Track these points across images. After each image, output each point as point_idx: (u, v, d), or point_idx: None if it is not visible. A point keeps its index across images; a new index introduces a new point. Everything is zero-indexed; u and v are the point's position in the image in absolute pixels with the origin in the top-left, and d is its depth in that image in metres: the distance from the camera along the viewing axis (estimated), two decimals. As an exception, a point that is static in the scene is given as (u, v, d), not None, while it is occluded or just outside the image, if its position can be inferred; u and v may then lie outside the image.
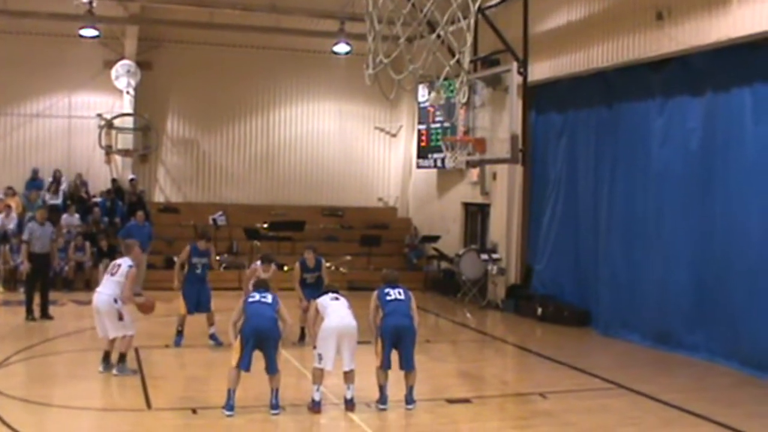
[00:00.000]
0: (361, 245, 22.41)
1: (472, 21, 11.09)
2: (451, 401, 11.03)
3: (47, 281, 16.71)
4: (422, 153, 23.29)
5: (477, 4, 11.08)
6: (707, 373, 13.19)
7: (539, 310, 17.80)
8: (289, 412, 10.21)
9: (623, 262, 16.00)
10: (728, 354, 13.54)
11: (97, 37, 22.31)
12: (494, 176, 20.22)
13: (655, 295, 15.16)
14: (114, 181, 22.94)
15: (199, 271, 14.38)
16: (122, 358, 11.92)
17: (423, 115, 23.28)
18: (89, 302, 17.63)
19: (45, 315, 16.30)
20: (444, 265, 22.30)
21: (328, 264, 22.05)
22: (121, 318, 11.87)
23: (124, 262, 12.02)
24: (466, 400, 11.14)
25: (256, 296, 10.38)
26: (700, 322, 14.22)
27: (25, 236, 16.38)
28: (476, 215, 22.01)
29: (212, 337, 14.17)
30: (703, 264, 14.24)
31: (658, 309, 15.08)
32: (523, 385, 12.57)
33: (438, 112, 22.09)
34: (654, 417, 10.55)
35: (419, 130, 23.53)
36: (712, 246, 14.07)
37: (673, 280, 14.76)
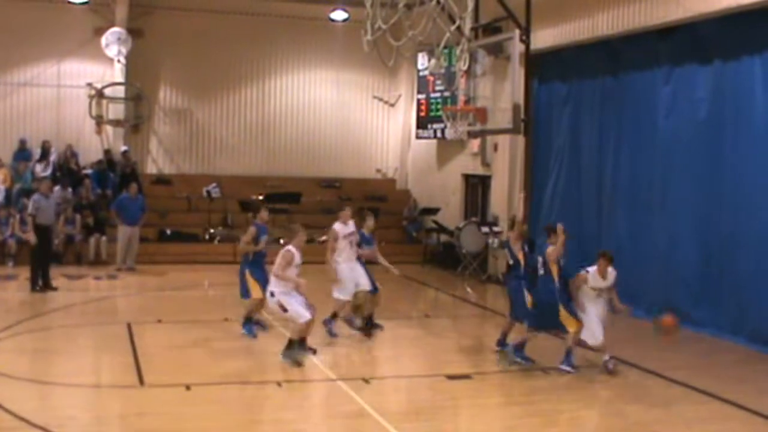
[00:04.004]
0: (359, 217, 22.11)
1: (474, -14, 10.80)
2: (451, 377, 10.88)
3: (49, 252, 16.68)
4: (422, 123, 22.96)
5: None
6: (714, 349, 13.01)
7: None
8: (284, 387, 10.05)
9: (628, 235, 15.75)
10: (735, 329, 13.34)
11: (86, 3, 21.94)
12: (495, 147, 19.94)
13: (661, 269, 14.93)
14: (107, 152, 22.57)
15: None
16: None
17: (422, 84, 22.91)
18: (80, 276, 17.85)
19: (48, 286, 16.23)
20: (444, 238, 22.04)
21: (324, 237, 21.91)
22: None
23: None
24: (467, 376, 10.99)
25: None
26: (707, 297, 14.00)
27: (30, 209, 16.22)
28: (477, 187, 21.72)
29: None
30: (710, 237, 14.01)
31: (664, 283, 14.85)
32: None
33: (438, 82, 21.74)
34: (659, 393, 10.39)
35: (419, 100, 23.18)
36: (719, 219, 13.83)
37: (679, 253, 14.54)
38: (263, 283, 12.17)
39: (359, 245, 12.97)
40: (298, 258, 11.21)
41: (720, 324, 13.64)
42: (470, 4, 11.48)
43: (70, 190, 20.73)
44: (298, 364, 10.90)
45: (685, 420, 9.49)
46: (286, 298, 11.14)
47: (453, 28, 11.43)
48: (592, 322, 11.14)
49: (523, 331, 11.56)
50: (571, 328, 11.15)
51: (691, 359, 12.30)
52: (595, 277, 11.14)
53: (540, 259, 11.50)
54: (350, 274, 12.75)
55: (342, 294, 12.65)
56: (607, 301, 11.36)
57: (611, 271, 11.24)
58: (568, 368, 11.11)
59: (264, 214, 13.16)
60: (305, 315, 11.10)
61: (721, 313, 13.67)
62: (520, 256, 11.77)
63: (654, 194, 15.18)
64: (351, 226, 13.12)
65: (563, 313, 11.16)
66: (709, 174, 14.02)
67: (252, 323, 12.80)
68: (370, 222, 13.22)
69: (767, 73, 13.00)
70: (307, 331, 11.34)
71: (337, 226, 12.94)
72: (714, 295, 13.88)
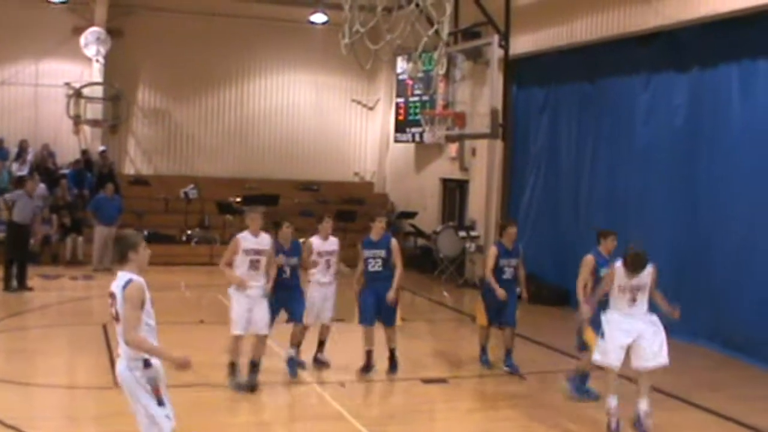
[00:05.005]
0: (337, 220, 21.97)
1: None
2: (426, 381, 10.88)
3: (26, 252, 16.52)
4: (400, 127, 22.98)
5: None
6: (689, 355, 12.98)
7: (518, 289, 17.48)
8: (264, 390, 10.00)
9: (604, 241, 15.75)
10: (710, 335, 13.40)
11: (65, 2, 21.76)
12: (473, 152, 19.96)
13: (636, 276, 14.93)
14: (84, 152, 22.42)
15: (378, 268, 10.92)
16: None
17: (401, 88, 22.94)
18: (56, 276, 17.69)
19: (23, 286, 16.09)
20: (421, 242, 22.05)
21: (301, 239, 21.86)
22: None
23: None
24: (442, 380, 11.00)
25: None
26: (682, 303, 13.84)
27: (8, 197, 16.12)
28: (455, 191, 21.74)
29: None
30: (686, 243, 14.06)
31: (639, 290, 14.84)
32: (501, 366, 12.38)
33: (417, 86, 21.75)
34: (633, 399, 10.32)
35: (397, 104, 23.21)
36: (695, 225, 13.90)
37: (654, 259, 14.49)
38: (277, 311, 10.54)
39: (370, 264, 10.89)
40: (249, 244, 9.89)
41: (695, 330, 13.67)
42: (448, 9, 11.50)
43: (43, 186, 20.52)
44: (251, 389, 9.82)
45: (659, 425, 9.52)
46: (235, 299, 9.92)
47: (431, 32, 11.45)
48: (611, 344, 9.03)
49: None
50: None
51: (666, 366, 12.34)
52: (621, 272, 8.96)
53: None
54: (319, 301, 10.97)
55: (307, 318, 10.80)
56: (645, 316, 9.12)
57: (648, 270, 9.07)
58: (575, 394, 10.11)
59: (286, 230, 10.69)
60: (235, 328, 9.88)
61: (696, 319, 13.69)
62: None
63: (631, 200, 15.23)
64: (332, 243, 11.24)
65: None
66: (685, 181, 14.08)
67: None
68: (377, 226, 10.95)
69: (744, 80, 13.09)
70: (236, 351, 9.94)
71: (314, 241, 11.04)
72: (689, 301, 13.84)
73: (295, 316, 10.55)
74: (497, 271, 11.42)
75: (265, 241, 10.06)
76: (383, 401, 10.28)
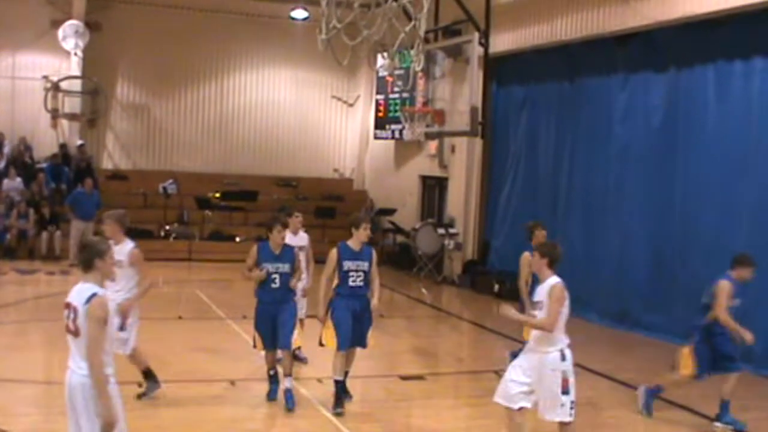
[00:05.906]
0: (316, 217, 22.06)
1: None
2: (404, 378, 10.93)
3: None
4: (380, 124, 23.00)
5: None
6: (664, 353, 13.03)
7: (496, 287, 17.62)
8: (238, 385, 10.00)
9: (582, 239, 15.90)
10: (686, 334, 13.41)
11: (43, -6, 21.60)
12: (453, 149, 20.02)
13: (614, 274, 15.09)
14: (62, 146, 22.27)
15: (359, 283, 9.27)
16: None
17: (381, 85, 22.96)
18: (32, 271, 17.58)
19: None
20: (400, 239, 22.10)
21: (238, 238, 21.70)
22: None
23: None
24: (420, 377, 11.04)
25: None
26: (659, 302, 14.18)
27: None
28: (434, 189, 21.80)
29: None
30: (662, 242, 14.20)
31: (617, 287, 15.00)
32: (478, 363, 12.49)
33: (398, 83, 21.74)
34: (609, 396, 10.56)
35: (377, 101, 23.23)
36: (671, 224, 14.03)
37: (631, 258, 14.70)
38: (262, 330, 9.49)
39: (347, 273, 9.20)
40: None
41: (671, 328, 13.78)
42: (426, 5, 11.51)
43: (19, 179, 20.42)
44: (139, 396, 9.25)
45: (632, 423, 9.62)
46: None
47: (408, 28, 11.45)
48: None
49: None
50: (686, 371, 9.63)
51: (642, 363, 12.45)
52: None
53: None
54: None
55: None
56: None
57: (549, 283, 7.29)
58: None
59: (277, 236, 9.32)
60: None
61: (673, 317, 13.81)
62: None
63: (608, 199, 15.36)
64: (302, 238, 10.70)
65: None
66: (662, 180, 14.23)
67: (275, 382, 9.76)
68: (362, 234, 9.21)
69: (720, 81, 13.25)
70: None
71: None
72: (665, 299, 14.04)
73: (281, 343, 9.39)
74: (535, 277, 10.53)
75: (125, 249, 9.03)
76: (361, 397, 10.21)
